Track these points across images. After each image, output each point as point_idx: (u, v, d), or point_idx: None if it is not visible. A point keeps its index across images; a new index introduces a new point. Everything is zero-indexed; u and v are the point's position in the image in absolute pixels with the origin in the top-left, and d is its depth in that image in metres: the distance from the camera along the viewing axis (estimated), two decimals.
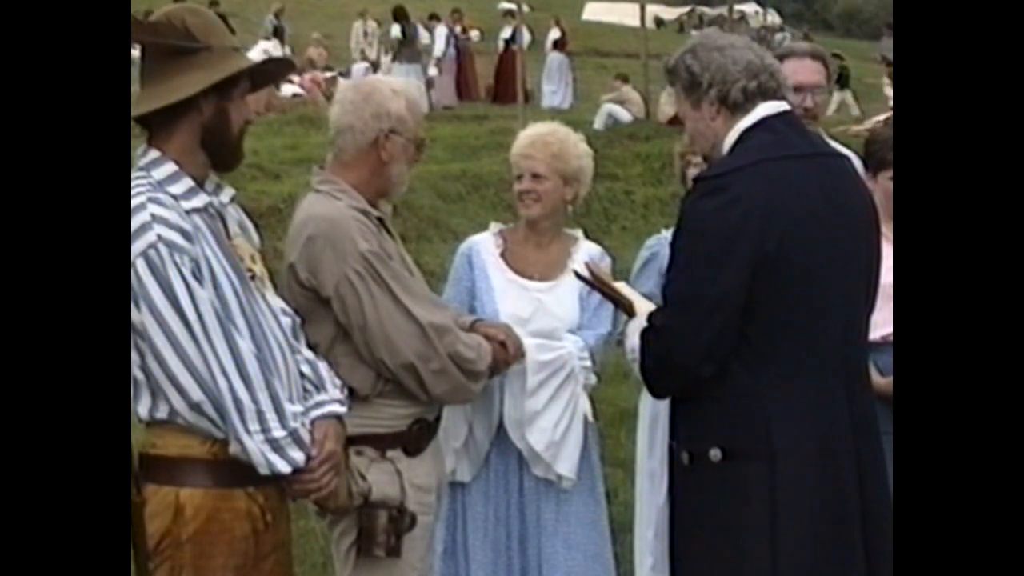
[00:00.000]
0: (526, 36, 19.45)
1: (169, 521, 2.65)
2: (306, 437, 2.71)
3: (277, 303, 2.91)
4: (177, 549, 2.65)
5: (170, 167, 2.70)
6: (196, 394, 2.60)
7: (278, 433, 2.65)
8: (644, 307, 3.04)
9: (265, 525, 2.75)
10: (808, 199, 2.76)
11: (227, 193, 2.84)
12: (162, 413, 2.65)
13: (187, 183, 2.71)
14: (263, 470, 2.65)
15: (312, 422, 2.78)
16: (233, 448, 2.64)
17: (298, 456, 2.69)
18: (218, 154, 2.78)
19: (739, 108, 2.82)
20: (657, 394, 3.06)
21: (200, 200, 2.71)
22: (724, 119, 2.84)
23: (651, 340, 2.85)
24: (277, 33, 22.21)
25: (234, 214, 2.88)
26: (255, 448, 2.63)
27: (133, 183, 2.65)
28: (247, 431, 2.62)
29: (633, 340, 2.93)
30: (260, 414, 2.62)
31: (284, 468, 2.67)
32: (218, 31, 2.79)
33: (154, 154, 2.73)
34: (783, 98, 2.88)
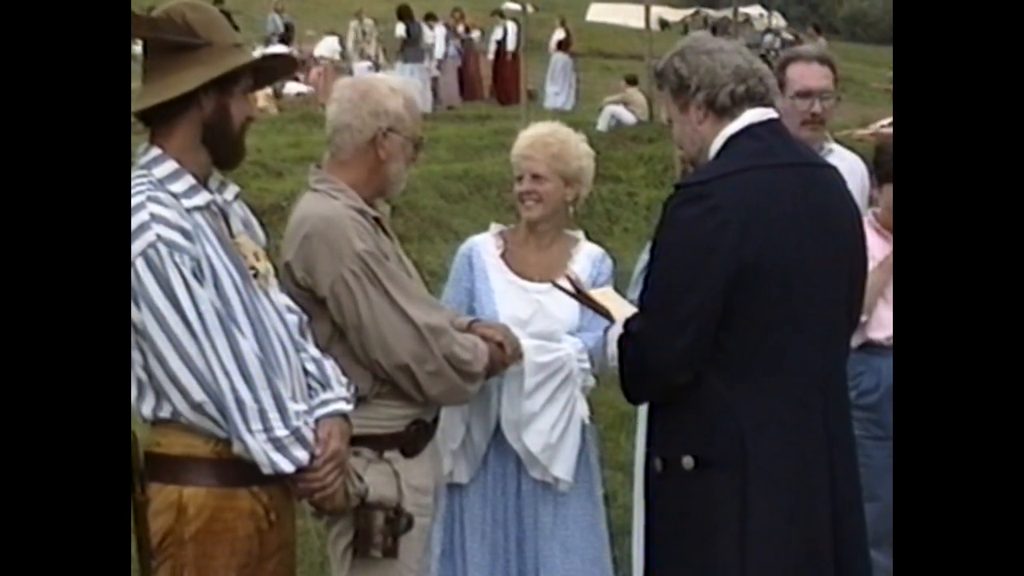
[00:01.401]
0: (521, 37, 19.46)
1: (172, 520, 2.65)
2: (309, 436, 2.71)
3: (283, 300, 2.91)
4: (180, 548, 2.66)
5: (171, 165, 2.70)
6: (198, 394, 2.60)
7: (281, 432, 2.65)
8: (624, 313, 3.03)
9: (269, 524, 2.75)
10: (790, 209, 2.74)
11: (231, 191, 2.85)
12: (165, 412, 2.65)
13: (188, 181, 2.70)
14: (266, 469, 2.65)
15: (317, 420, 2.78)
16: (236, 447, 2.64)
17: (301, 455, 2.69)
18: (219, 151, 2.77)
19: (726, 112, 2.82)
20: (633, 400, 3.05)
21: (201, 198, 2.71)
22: (711, 123, 2.83)
23: (627, 346, 2.85)
24: (287, 31, 22.21)
25: (239, 212, 2.89)
26: (257, 447, 2.63)
27: (133, 182, 2.65)
28: (249, 430, 2.61)
29: (613, 347, 2.93)
30: (262, 413, 2.62)
31: (287, 467, 2.67)
32: (219, 27, 2.78)
33: (155, 152, 2.72)
34: (771, 104, 2.87)
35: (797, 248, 2.73)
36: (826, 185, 2.89)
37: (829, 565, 2.76)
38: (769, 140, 2.82)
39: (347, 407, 2.88)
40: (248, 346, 2.64)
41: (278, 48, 18.70)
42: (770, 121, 2.84)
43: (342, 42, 21.66)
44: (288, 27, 22.58)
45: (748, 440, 2.70)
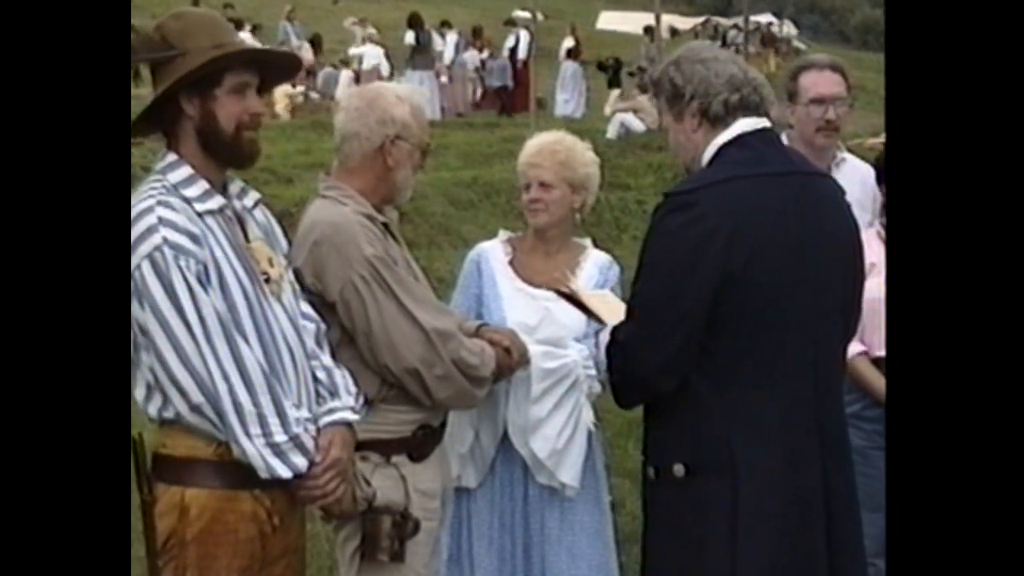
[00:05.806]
0: (532, 45, 19.46)
1: (175, 521, 2.67)
2: (309, 443, 2.72)
3: (304, 308, 2.93)
4: (182, 549, 2.68)
5: (185, 170, 2.73)
6: (196, 396, 2.62)
7: (279, 438, 2.66)
8: (617, 317, 3.03)
9: (273, 529, 2.76)
10: (779, 217, 2.75)
11: (252, 197, 2.88)
12: (170, 414, 2.67)
13: (202, 185, 2.73)
14: (263, 474, 2.66)
15: (320, 428, 2.79)
16: (235, 451, 2.65)
17: (300, 461, 2.70)
18: (219, 154, 2.77)
19: (719, 121, 2.83)
20: (623, 405, 3.06)
21: (215, 202, 2.74)
22: (704, 132, 2.85)
23: (614, 353, 2.87)
24: (313, 44, 22.09)
25: (260, 218, 2.91)
26: (255, 452, 2.64)
27: (147, 186, 2.69)
28: (247, 434, 2.63)
29: (602, 353, 2.95)
30: (262, 418, 2.64)
31: (285, 473, 2.68)
32: (196, 33, 2.76)
33: (171, 157, 2.76)
34: (766, 113, 2.88)
35: (786, 255, 2.73)
36: (819, 193, 2.89)
37: (823, 570, 2.76)
38: (760, 149, 2.83)
39: (353, 416, 2.89)
40: (249, 351, 2.65)
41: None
42: (762, 130, 2.86)
43: (388, 55, 21.51)
44: (314, 40, 22.40)
45: (737, 446, 2.71)
